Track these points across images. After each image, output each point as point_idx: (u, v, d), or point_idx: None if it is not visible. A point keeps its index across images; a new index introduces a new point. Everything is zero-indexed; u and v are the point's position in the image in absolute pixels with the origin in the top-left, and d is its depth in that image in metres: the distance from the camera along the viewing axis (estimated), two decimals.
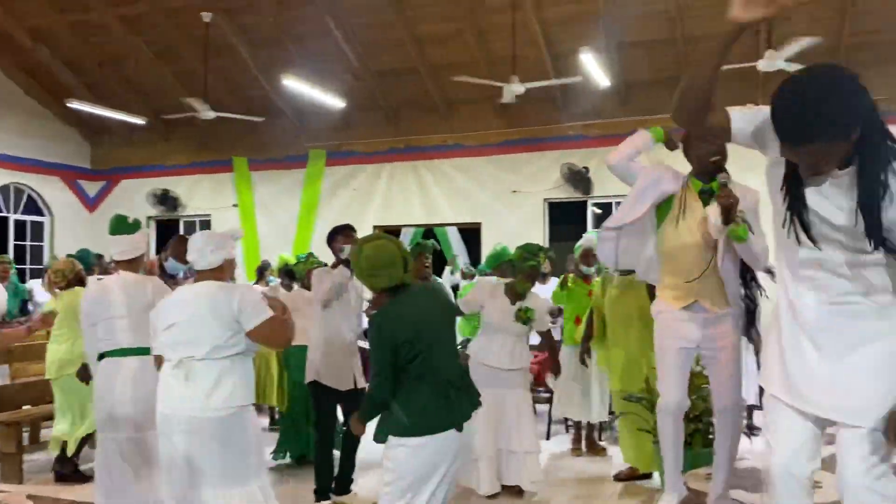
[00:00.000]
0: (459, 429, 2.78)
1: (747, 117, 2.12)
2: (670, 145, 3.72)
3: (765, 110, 2.07)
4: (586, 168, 9.98)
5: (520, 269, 4.57)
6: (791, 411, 2.17)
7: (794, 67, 7.04)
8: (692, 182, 3.52)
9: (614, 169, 3.66)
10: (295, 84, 9.49)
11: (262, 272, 8.31)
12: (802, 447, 2.16)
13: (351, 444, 4.39)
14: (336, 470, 4.42)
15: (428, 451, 2.73)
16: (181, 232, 12.62)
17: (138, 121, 11.00)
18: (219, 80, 10.50)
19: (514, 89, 8.30)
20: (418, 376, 2.77)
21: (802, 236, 2.10)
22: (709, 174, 3.45)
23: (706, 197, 3.48)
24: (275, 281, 7.98)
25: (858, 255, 2.09)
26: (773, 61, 7.35)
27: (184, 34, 10.26)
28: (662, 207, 3.55)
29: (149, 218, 12.46)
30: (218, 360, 3.03)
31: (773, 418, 2.22)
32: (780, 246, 2.23)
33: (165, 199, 12.29)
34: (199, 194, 12.42)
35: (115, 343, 3.76)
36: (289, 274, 6.73)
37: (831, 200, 2.06)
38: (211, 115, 9.49)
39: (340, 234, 4.41)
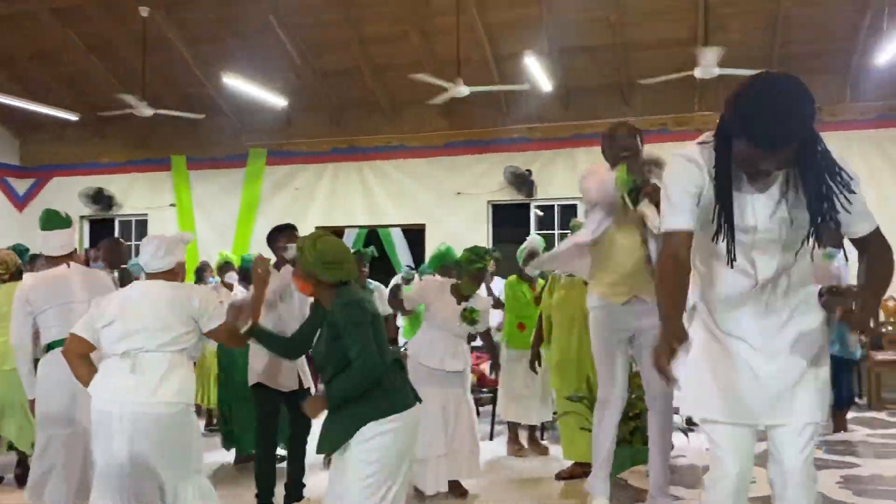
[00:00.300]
0: (420, 399, 2.93)
1: (684, 213, 2.20)
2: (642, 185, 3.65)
3: (683, 190, 2.18)
4: (529, 171, 10.09)
5: (467, 272, 4.59)
6: (734, 426, 2.24)
7: (730, 72, 7.27)
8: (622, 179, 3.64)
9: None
10: (236, 82, 9.32)
11: (200, 273, 8.14)
12: (749, 456, 2.26)
13: (299, 449, 4.33)
14: (285, 475, 4.34)
15: (404, 431, 2.79)
16: (116, 232, 12.27)
17: (71, 117, 10.63)
18: (157, 76, 10.24)
19: (459, 91, 8.33)
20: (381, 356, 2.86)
21: (736, 248, 2.17)
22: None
23: (634, 196, 3.60)
24: (214, 281, 7.83)
25: (787, 260, 2.20)
26: (710, 69, 7.56)
27: (120, 28, 9.97)
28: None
29: (82, 217, 12.06)
30: (168, 353, 3.02)
31: (718, 436, 2.25)
32: (707, 262, 2.30)
33: (99, 198, 11.92)
34: (135, 193, 12.08)
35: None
36: (243, 274, 6.63)
37: (764, 208, 2.16)
38: (148, 112, 9.24)
39: (283, 234, 4.36)
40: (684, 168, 2.19)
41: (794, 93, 1.98)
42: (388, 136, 10.82)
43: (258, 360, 4.22)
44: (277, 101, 9.99)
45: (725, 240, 2.15)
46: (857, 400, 6.85)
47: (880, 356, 7.07)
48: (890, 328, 7.90)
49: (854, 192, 2.12)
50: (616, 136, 3.73)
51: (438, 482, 4.37)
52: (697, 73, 7.65)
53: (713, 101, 9.10)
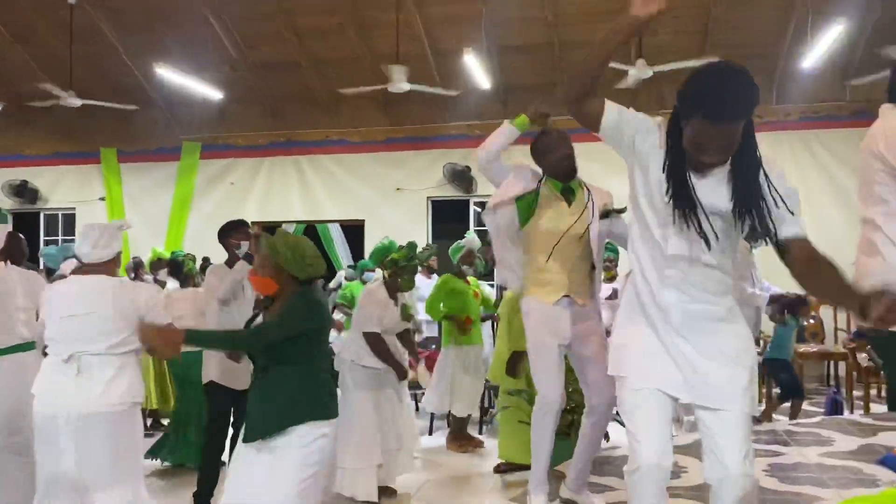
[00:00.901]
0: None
1: (620, 111, 2.23)
2: (541, 121, 3.71)
3: (634, 112, 2.24)
4: (468, 167, 10.15)
5: (407, 269, 4.60)
6: (655, 405, 2.23)
7: (663, 67, 7.48)
8: (550, 183, 3.64)
9: (482, 161, 3.68)
10: (169, 73, 9.09)
11: (135, 270, 7.90)
12: (667, 439, 2.24)
13: (217, 452, 4.26)
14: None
15: (334, 440, 2.80)
16: (41, 226, 11.84)
17: None
18: (85, 66, 9.89)
19: (398, 87, 8.31)
20: (318, 362, 2.84)
21: (672, 231, 2.21)
22: (563, 175, 3.63)
23: (569, 195, 3.65)
24: (147, 278, 7.63)
25: (723, 248, 2.27)
26: (644, 70, 7.75)
27: (46, 16, 9.60)
28: (522, 207, 3.64)
29: (4, 211, 11.59)
30: (115, 356, 2.95)
31: (638, 414, 2.24)
32: (644, 244, 2.30)
33: (23, 191, 11.46)
34: (62, 186, 11.67)
35: (16, 337, 3.47)
36: (177, 270, 6.44)
37: (716, 192, 2.21)
38: (76, 102, 8.93)
39: (236, 231, 4.30)
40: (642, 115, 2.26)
41: (745, 75, 2.07)
42: (326, 130, 10.72)
43: (214, 358, 4.17)
44: (212, 93, 9.79)
45: (691, 219, 2.17)
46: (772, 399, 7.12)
47: (802, 348, 7.36)
48: (812, 321, 8.24)
49: (789, 187, 2.21)
50: (558, 143, 3.71)
51: (370, 491, 4.34)
52: (632, 73, 7.83)
53: (645, 102, 9.32)
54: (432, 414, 6.35)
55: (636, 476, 2.22)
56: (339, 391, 4.33)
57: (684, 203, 2.17)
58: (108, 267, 3.17)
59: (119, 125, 10.82)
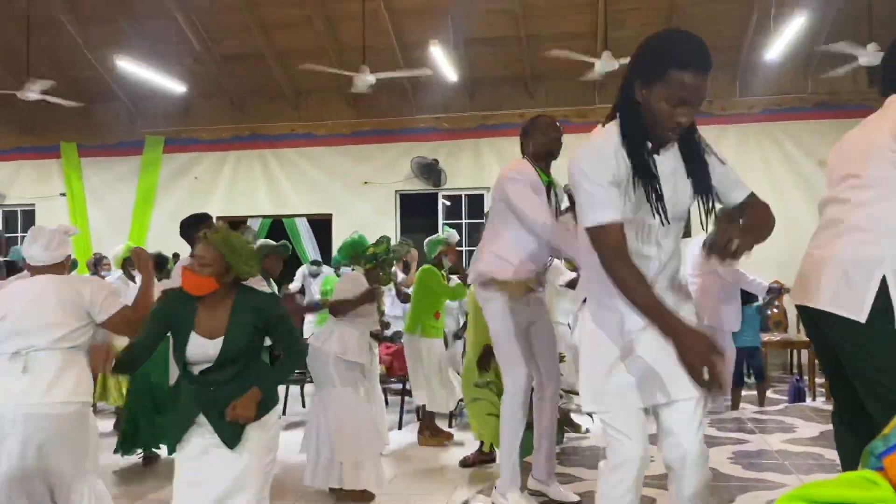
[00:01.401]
0: None
1: (615, 188, 2.14)
2: None
3: (607, 182, 2.12)
4: (436, 160, 10.13)
5: (387, 262, 4.61)
6: (635, 402, 2.24)
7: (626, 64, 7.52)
8: (540, 175, 3.68)
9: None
10: (131, 66, 8.92)
11: (95, 266, 7.76)
12: (647, 438, 2.27)
13: None
14: None
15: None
16: (0, 223, 11.56)
17: None
18: (44, 58, 9.67)
19: (364, 79, 8.25)
20: None
21: (646, 230, 2.21)
22: (548, 155, 3.68)
23: (549, 188, 3.68)
24: (111, 275, 7.49)
25: (676, 239, 2.29)
26: (610, 62, 7.79)
27: (2, 7, 9.34)
28: None
29: None
30: (61, 351, 2.87)
31: (622, 412, 2.24)
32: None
33: None
34: (21, 182, 11.41)
35: None
36: (161, 265, 6.38)
37: (674, 171, 2.22)
38: (34, 95, 8.72)
39: (202, 224, 4.22)
40: (597, 158, 2.13)
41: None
42: (292, 123, 10.62)
43: None
44: (175, 86, 9.62)
45: (658, 214, 2.15)
46: (745, 379, 7.22)
47: (766, 337, 7.47)
48: (775, 310, 8.37)
49: (724, 163, 2.29)
50: (547, 130, 3.73)
51: (380, 480, 4.26)
52: (598, 66, 7.86)
53: (611, 94, 9.37)
54: (401, 407, 6.34)
55: (622, 471, 2.22)
56: (316, 387, 4.33)
57: (648, 177, 2.15)
58: (56, 270, 3.11)
59: (80, 119, 10.59)
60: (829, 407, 6.44)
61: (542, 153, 3.71)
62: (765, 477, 4.12)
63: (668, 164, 2.22)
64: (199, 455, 2.73)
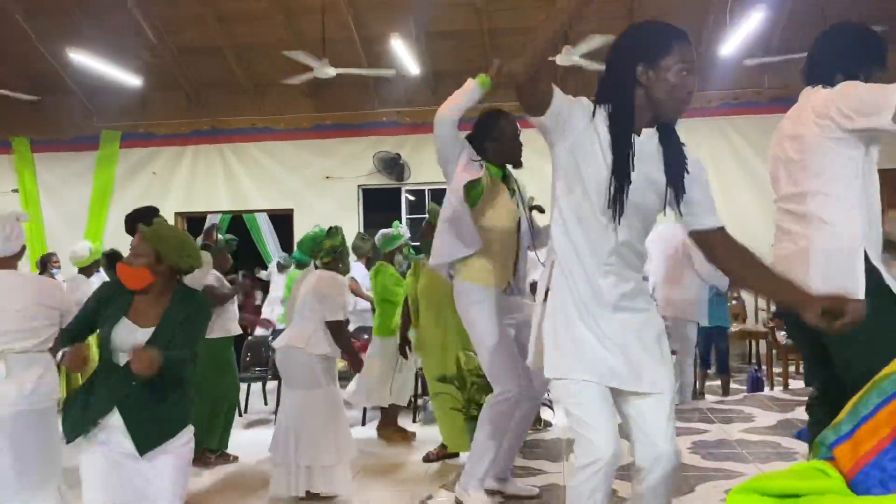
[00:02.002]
0: None
1: (564, 94, 2.20)
2: (504, 81, 3.42)
3: (577, 101, 2.22)
4: (399, 155, 10.08)
5: (345, 253, 4.59)
6: (600, 396, 2.20)
7: (589, 62, 7.57)
8: (489, 168, 3.61)
9: (445, 121, 3.44)
10: (84, 59, 8.69)
11: (44, 264, 7.56)
12: (616, 429, 2.23)
13: None
14: None
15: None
16: None
17: None
18: None
19: (325, 72, 8.16)
20: None
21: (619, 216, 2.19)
22: (511, 159, 3.62)
23: (508, 183, 3.65)
24: (59, 273, 7.32)
25: (643, 227, 2.30)
26: (571, 56, 7.82)
27: None
28: (472, 192, 3.55)
29: None
30: (40, 353, 2.91)
31: (589, 407, 2.19)
32: (582, 233, 2.23)
33: None
34: None
35: None
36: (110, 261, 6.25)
37: (652, 160, 2.23)
38: None
39: (147, 219, 4.12)
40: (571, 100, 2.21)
41: None
42: (251, 117, 10.47)
43: None
44: (131, 79, 9.41)
45: (618, 196, 2.15)
46: (707, 371, 7.32)
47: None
48: (734, 301, 8.50)
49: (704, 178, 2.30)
50: (507, 133, 3.64)
51: (347, 485, 4.22)
52: (559, 60, 7.89)
53: (572, 89, 9.39)
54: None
55: (594, 468, 2.16)
56: (295, 388, 4.21)
57: (623, 167, 2.16)
58: (12, 261, 3.07)
59: (31, 113, 10.32)
60: (787, 396, 6.56)
61: (504, 159, 3.62)
62: (724, 466, 4.18)
63: (647, 148, 2.23)
64: (112, 465, 2.57)
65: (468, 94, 3.38)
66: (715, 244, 2.29)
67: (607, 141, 2.19)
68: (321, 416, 4.14)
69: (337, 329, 4.28)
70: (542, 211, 3.81)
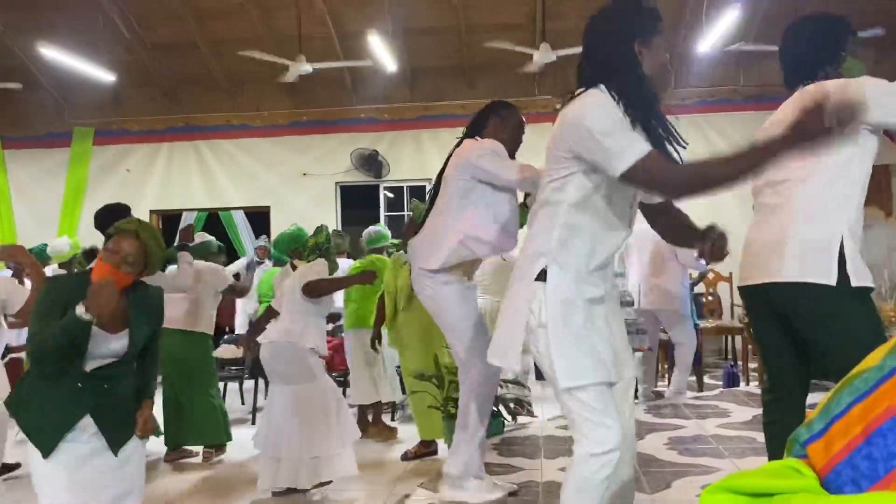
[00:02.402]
0: None
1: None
2: None
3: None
4: (376, 151, 10.03)
5: (332, 250, 4.59)
6: (609, 389, 2.25)
7: (567, 52, 7.57)
8: None
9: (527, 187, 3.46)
10: (56, 54, 8.55)
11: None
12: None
13: None
14: None
15: None
16: None
17: None
18: None
19: (301, 68, 8.10)
20: None
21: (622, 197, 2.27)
22: (515, 149, 3.66)
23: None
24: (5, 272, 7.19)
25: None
26: (548, 54, 7.82)
27: None
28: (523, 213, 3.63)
29: None
30: None
31: (604, 399, 2.21)
32: (606, 222, 2.25)
33: None
34: None
35: None
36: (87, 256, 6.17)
37: None
38: None
39: (121, 217, 4.07)
40: (605, 112, 2.14)
41: None
42: (227, 114, 10.37)
43: None
44: (104, 75, 9.28)
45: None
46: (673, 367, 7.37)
47: (701, 324, 7.63)
48: (710, 297, 8.57)
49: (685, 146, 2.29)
50: (514, 121, 3.66)
51: (353, 466, 4.28)
52: (536, 56, 7.89)
53: (550, 86, 9.46)
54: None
55: (611, 455, 2.17)
56: (287, 383, 4.21)
57: (665, 131, 2.23)
58: None
59: (2, 109, 10.14)
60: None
61: (514, 148, 3.62)
62: (700, 462, 4.20)
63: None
64: (80, 462, 2.52)
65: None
66: (668, 210, 2.43)
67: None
68: (321, 407, 4.15)
69: (314, 285, 4.25)
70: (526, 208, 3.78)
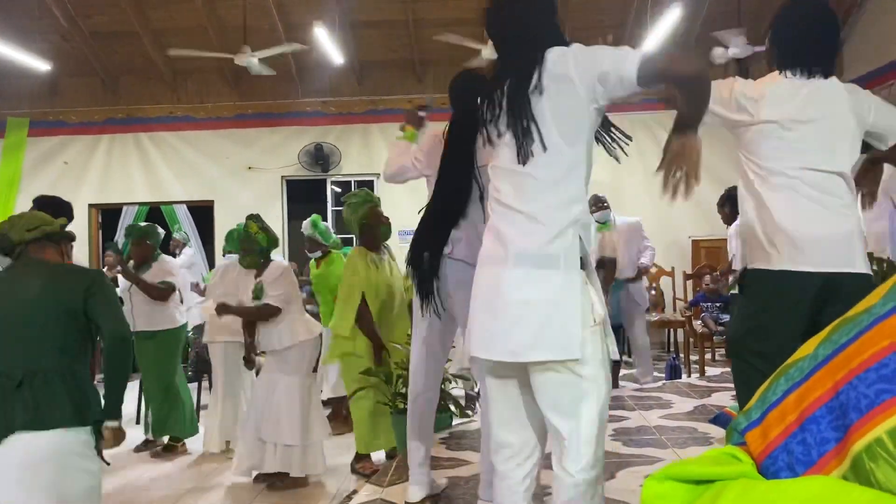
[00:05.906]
0: None
1: None
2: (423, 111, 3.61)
3: None
4: (324, 145, 9.93)
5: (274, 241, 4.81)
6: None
7: None
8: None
9: (390, 181, 3.45)
10: None
11: None
12: None
13: None
14: None
15: None
16: None
17: None
18: None
19: (249, 60, 7.95)
20: None
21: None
22: None
23: None
24: None
25: None
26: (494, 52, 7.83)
27: None
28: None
29: None
30: None
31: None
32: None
33: None
34: None
35: None
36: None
37: None
38: None
39: (60, 210, 3.95)
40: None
41: None
42: (169, 105, 10.13)
43: None
44: (39, 64, 8.94)
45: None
46: (626, 359, 7.51)
47: (646, 318, 7.78)
48: (654, 292, 8.73)
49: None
50: None
51: (322, 464, 4.53)
52: (484, 52, 7.91)
53: None
54: None
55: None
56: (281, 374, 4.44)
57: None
58: None
59: None
60: (703, 383, 6.77)
61: None
62: (643, 452, 4.28)
63: None
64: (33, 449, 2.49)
65: (401, 151, 3.39)
66: None
67: None
68: (305, 399, 4.43)
69: (270, 312, 4.48)
70: None
